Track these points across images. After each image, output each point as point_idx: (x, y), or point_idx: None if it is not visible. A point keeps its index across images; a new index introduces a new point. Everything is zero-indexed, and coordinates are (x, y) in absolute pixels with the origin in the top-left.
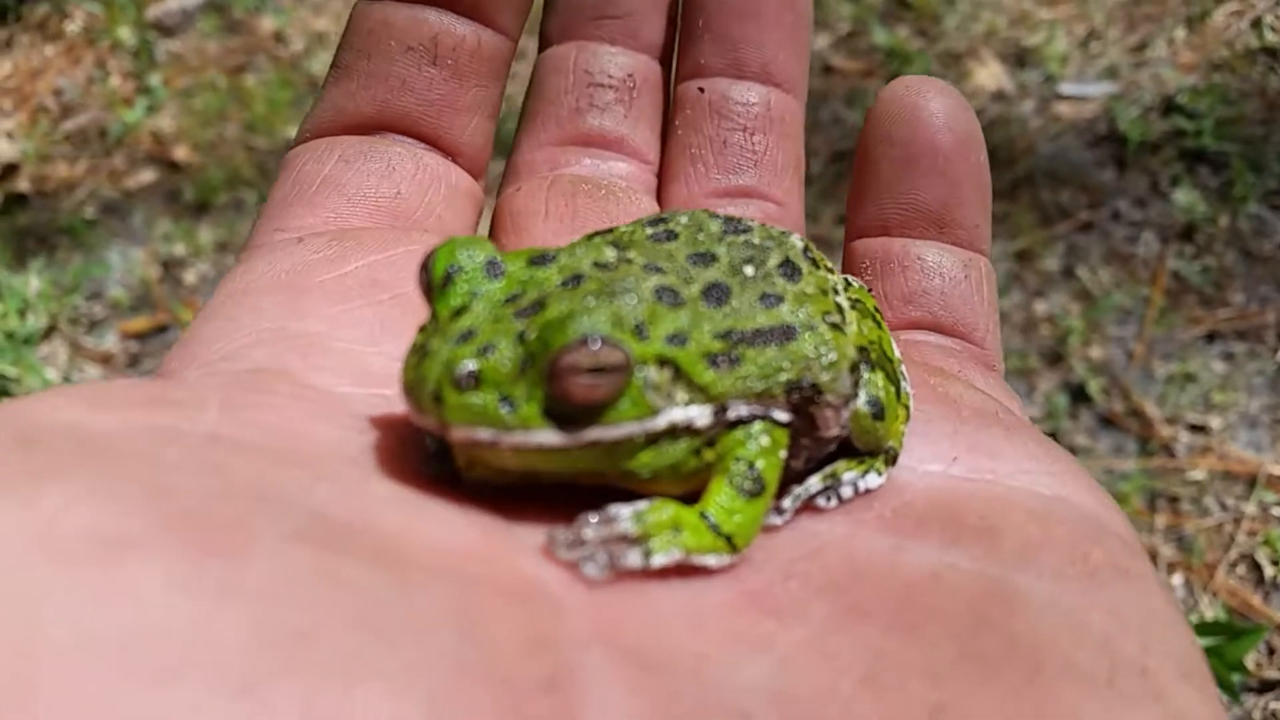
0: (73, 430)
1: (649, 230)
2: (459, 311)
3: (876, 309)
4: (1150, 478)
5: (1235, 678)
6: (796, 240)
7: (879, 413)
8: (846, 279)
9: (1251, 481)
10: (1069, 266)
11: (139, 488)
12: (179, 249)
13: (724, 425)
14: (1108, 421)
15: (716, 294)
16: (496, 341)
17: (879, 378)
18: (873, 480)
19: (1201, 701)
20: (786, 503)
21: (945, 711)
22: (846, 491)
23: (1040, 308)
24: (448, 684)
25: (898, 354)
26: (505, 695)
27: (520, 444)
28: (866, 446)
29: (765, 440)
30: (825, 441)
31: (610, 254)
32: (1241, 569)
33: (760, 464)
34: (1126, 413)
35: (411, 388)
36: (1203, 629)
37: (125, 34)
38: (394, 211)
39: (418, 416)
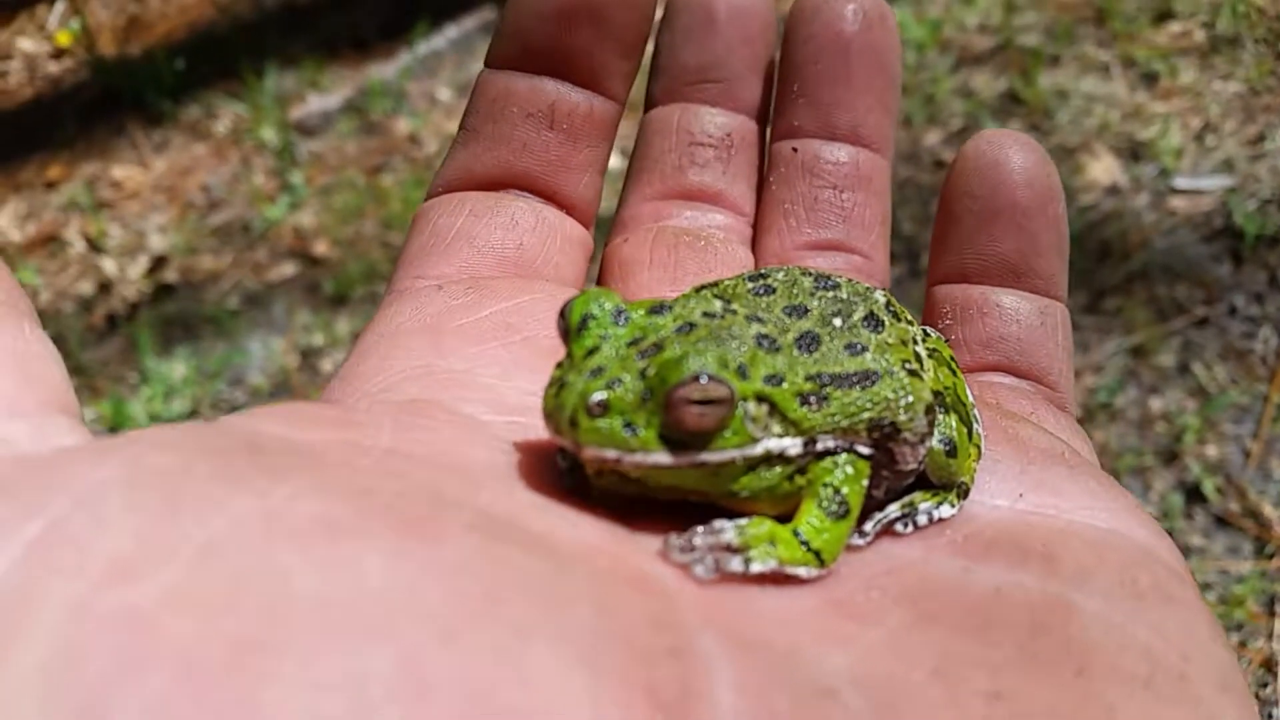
0: (285, 440)
1: (749, 285)
2: (591, 351)
3: (952, 358)
4: (1268, 580)
5: None
6: (879, 296)
7: (952, 450)
8: (925, 330)
9: None
10: (1184, 363)
11: (345, 486)
12: (317, 339)
13: (813, 455)
14: (1223, 521)
15: (808, 342)
16: (622, 377)
17: (953, 419)
18: (945, 511)
19: (1238, 712)
20: (868, 526)
21: (1001, 698)
22: (922, 519)
23: (1155, 404)
24: (595, 646)
25: (971, 399)
26: (639, 658)
27: (640, 462)
28: (940, 480)
29: (850, 469)
30: (903, 475)
31: (717, 305)
32: None
33: (845, 490)
34: (1243, 513)
35: (551, 414)
36: None
37: (269, 134)
38: (518, 261)
39: (556, 438)
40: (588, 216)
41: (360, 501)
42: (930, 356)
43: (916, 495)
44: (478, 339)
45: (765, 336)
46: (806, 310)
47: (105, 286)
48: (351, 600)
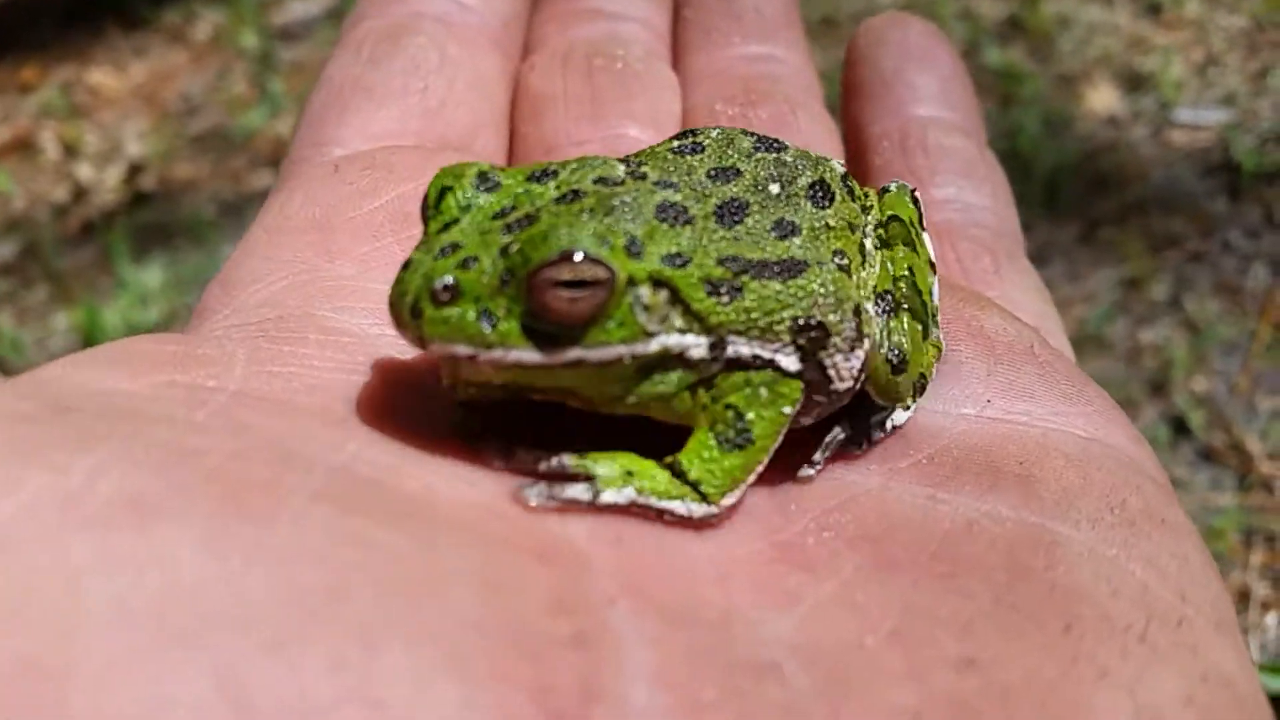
0: (104, 394)
1: (675, 143)
2: (447, 226)
3: (918, 232)
4: (1248, 514)
5: None
6: (837, 165)
7: (900, 364)
8: (885, 186)
9: None
10: (1176, 296)
11: (167, 451)
12: None
13: (724, 364)
14: (1207, 455)
15: (731, 212)
16: (479, 255)
17: (902, 321)
18: (900, 416)
19: (1234, 654)
20: (818, 455)
21: (974, 665)
22: (877, 433)
23: (1145, 336)
24: (470, 643)
25: (933, 284)
26: (530, 653)
27: (499, 360)
28: (886, 400)
29: (764, 393)
30: (837, 395)
31: (619, 169)
32: None
33: (750, 415)
34: (1227, 447)
35: (393, 302)
36: None
37: (249, 40)
38: (423, 111)
39: (400, 331)
40: (506, 41)
41: (179, 471)
42: (885, 243)
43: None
44: (371, 234)
45: (673, 206)
46: (737, 173)
47: (80, 193)
48: (155, 605)
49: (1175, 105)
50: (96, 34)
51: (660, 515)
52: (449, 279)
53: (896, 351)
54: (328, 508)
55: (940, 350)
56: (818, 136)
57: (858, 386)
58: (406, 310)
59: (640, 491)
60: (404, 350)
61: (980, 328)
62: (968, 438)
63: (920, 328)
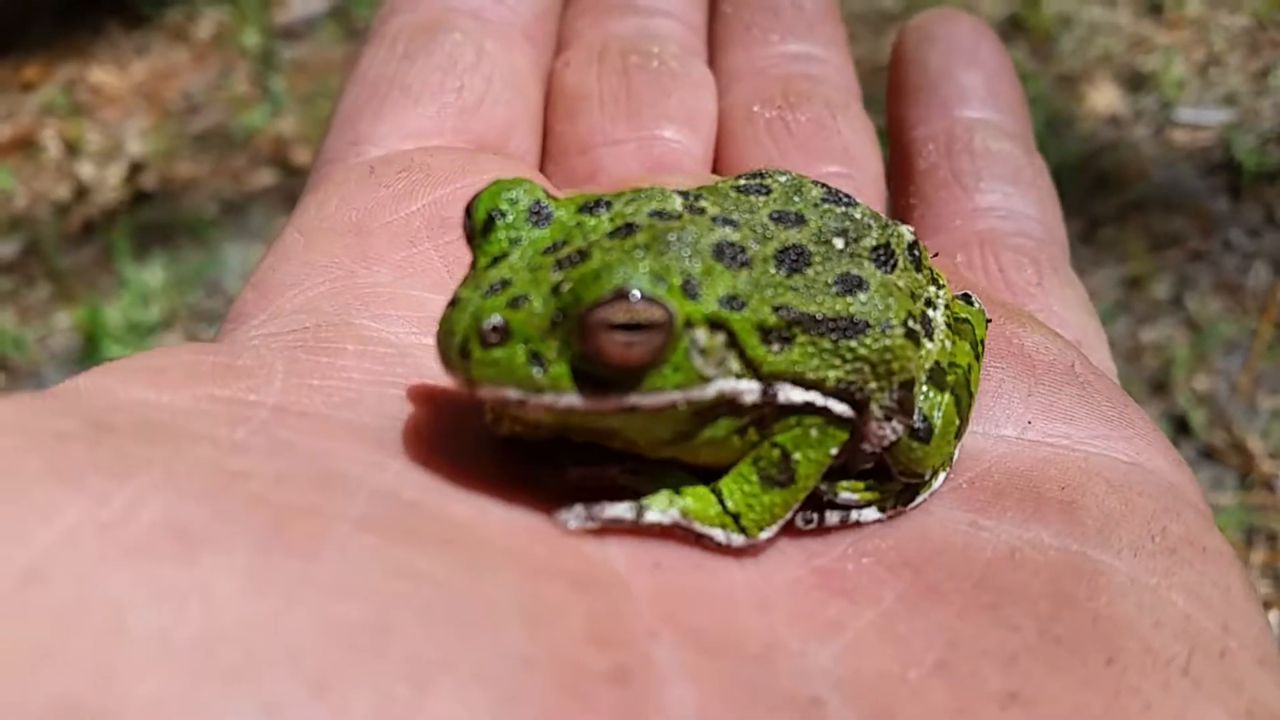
0: (143, 408)
1: (741, 181)
2: (496, 260)
3: (979, 342)
4: (1249, 513)
5: None
6: (907, 232)
7: (926, 434)
8: (967, 295)
9: None
10: (1178, 295)
11: (209, 475)
12: None
13: (774, 408)
14: (1209, 454)
15: (793, 259)
16: (529, 293)
17: (944, 399)
18: (869, 515)
19: (1277, 688)
20: (799, 520)
21: (1018, 700)
22: (832, 518)
23: (1146, 335)
24: (517, 681)
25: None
26: (574, 690)
27: (549, 405)
28: (900, 467)
29: (814, 434)
30: (860, 456)
31: (676, 203)
32: None
33: (797, 456)
34: (1228, 446)
35: (440, 341)
36: None
37: (251, 39)
38: (459, 109)
39: (447, 372)
40: (539, 35)
41: (222, 497)
42: (950, 328)
43: (845, 483)
44: (408, 240)
45: (731, 245)
46: (802, 221)
47: (82, 192)
48: (199, 642)
49: (1177, 105)
50: (98, 32)
51: (699, 539)
52: (498, 319)
53: (924, 421)
54: (372, 537)
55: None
56: (858, 143)
57: (879, 452)
58: (455, 351)
59: (685, 514)
60: None
61: (1021, 346)
62: (1008, 461)
63: (956, 422)
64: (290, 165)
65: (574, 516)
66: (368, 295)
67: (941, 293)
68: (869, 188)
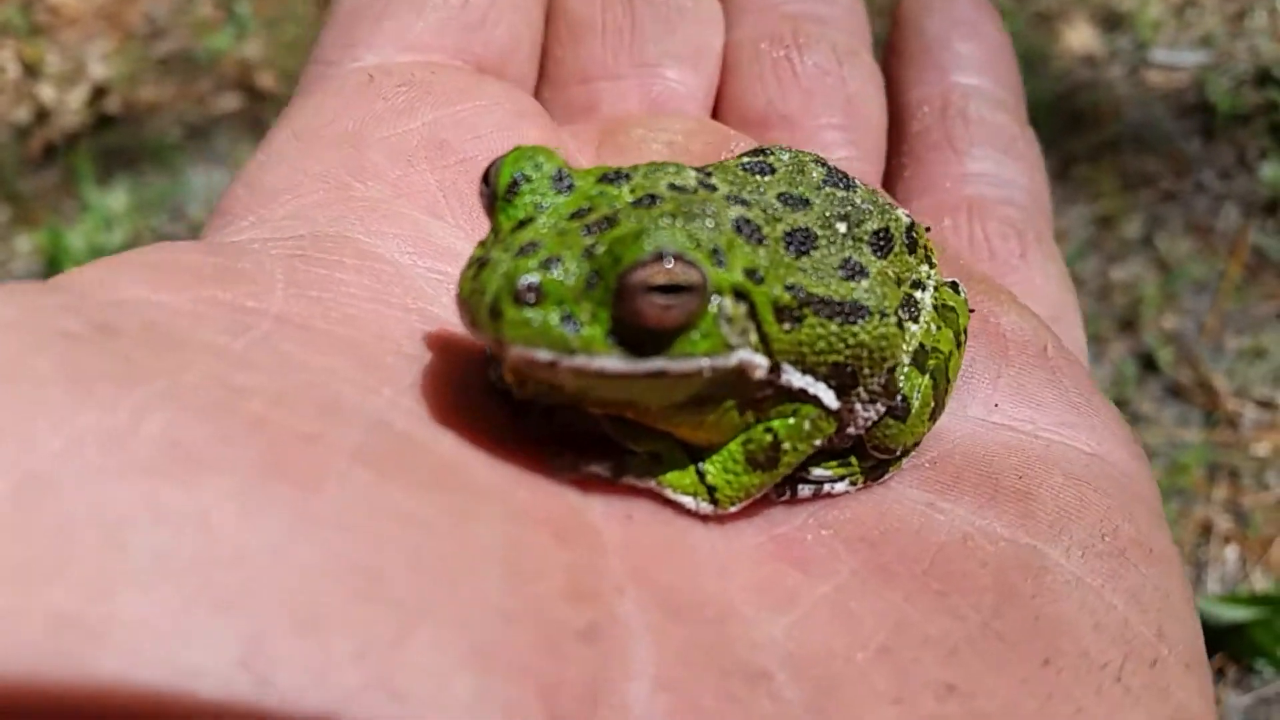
0: (146, 310)
1: (745, 159)
2: (523, 223)
3: (962, 331)
4: (1213, 450)
5: None
6: (903, 215)
7: (903, 412)
8: (954, 283)
9: None
10: (1148, 235)
11: (211, 390)
12: None
13: (775, 388)
14: (1175, 392)
15: (801, 241)
16: (562, 255)
17: (923, 382)
18: (840, 487)
19: (1201, 696)
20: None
21: (954, 692)
22: (804, 492)
23: (1117, 274)
24: (495, 633)
25: (953, 370)
26: (548, 645)
27: (582, 367)
28: (875, 444)
29: (808, 426)
30: (845, 438)
31: (690, 178)
32: None
33: (787, 445)
34: (1194, 384)
35: (468, 299)
36: (1253, 601)
37: None
38: (463, 24)
39: (474, 332)
40: None
41: (225, 415)
42: (939, 312)
43: (824, 463)
44: (405, 158)
45: (749, 222)
46: (808, 203)
47: (43, 114)
48: (194, 565)
49: (1152, 45)
50: None
51: (668, 503)
52: (534, 279)
53: (903, 401)
54: (368, 472)
55: (933, 425)
56: (862, 94)
57: (860, 433)
58: (485, 310)
59: (660, 482)
60: (436, 287)
61: (997, 325)
62: (971, 443)
63: (932, 404)
64: (255, 89)
65: (560, 464)
66: (363, 210)
67: (933, 273)
68: (868, 141)
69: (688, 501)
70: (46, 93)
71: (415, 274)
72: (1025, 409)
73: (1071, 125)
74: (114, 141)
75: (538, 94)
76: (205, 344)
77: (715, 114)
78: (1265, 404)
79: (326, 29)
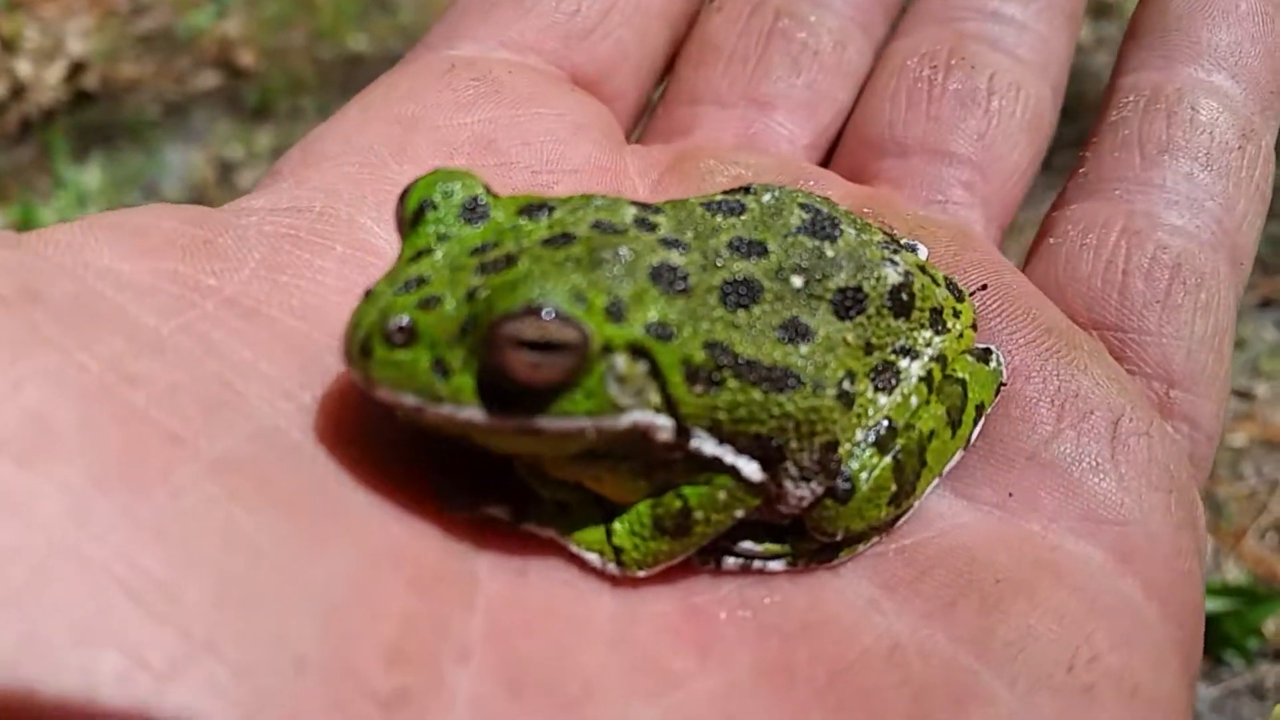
0: (94, 276)
1: (719, 197)
2: (420, 254)
3: (979, 405)
4: None
5: (1251, 642)
6: (893, 275)
7: (847, 495)
8: (988, 349)
9: None
10: None
11: (102, 373)
12: (237, 152)
13: (685, 453)
14: None
15: (740, 293)
16: (444, 295)
17: (880, 462)
18: (774, 565)
19: None
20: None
21: None
22: (730, 563)
23: None
24: (275, 682)
25: (943, 470)
26: (333, 705)
27: (449, 417)
28: (814, 526)
29: (723, 496)
30: (776, 514)
31: (627, 215)
32: (1271, 538)
33: (699, 514)
34: None
35: (345, 334)
36: (1225, 592)
37: None
38: (566, 33)
39: (346, 367)
40: None
41: (100, 402)
42: (934, 384)
43: (753, 539)
44: (449, 150)
45: (672, 270)
46: (764, 252)
47: (19, 90)
48: (13, 552)
49: None
50: None
51: (574, 558)
52: (404, 319)
53: (848, 482)
54: (218, 486)
55: (902, 510)
56: (1004, 133)
57: (797, 511)
58: (357, 347)
59: (563, 534)
60: None
61: (1056, 391)
62: (958, 535)
63: (892, 488)
64: (234, 67)
65: (454, 503)
66: (387, 192)
67: (938, 341)
68: (992, 188)
69: (593, 559)
70: (23, 68)
71: None
72: (1049, 498)
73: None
74: (91, 118)
75: (641, 114)
76: (128, 322)
77: (841, 132)
78: (1243, 394)
79: (440, 18)
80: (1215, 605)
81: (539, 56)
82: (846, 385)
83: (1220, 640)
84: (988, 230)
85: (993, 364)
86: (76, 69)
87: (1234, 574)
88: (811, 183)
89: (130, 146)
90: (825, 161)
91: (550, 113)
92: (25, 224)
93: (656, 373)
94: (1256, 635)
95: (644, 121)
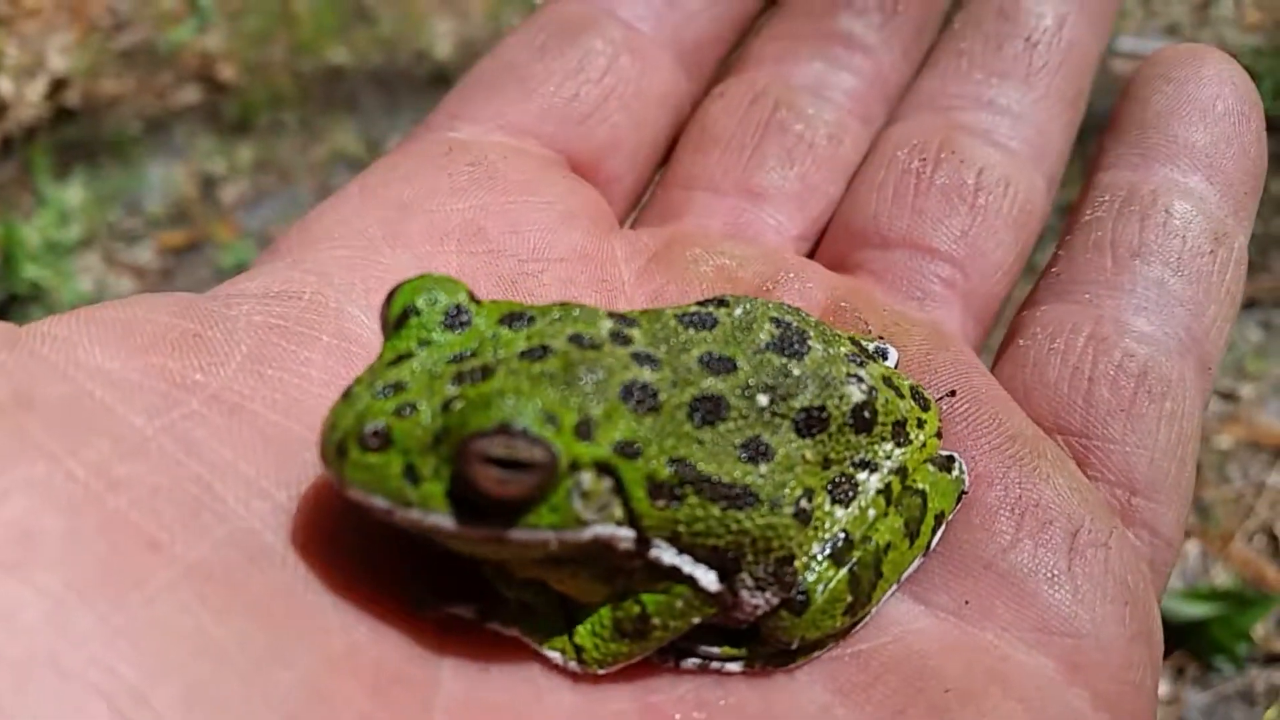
0: (84, 380)
1: (693, 309)
2: (400, 359)
3: (938, 515)
4: None
5: (1241, 647)
6: (857, 392)
7: (801, 607)
8: (951, 457)
9: (1277, 452)
10: None
11: (88, 479)
12: (218, 166)
13: (645, 561)
14: None
15: (707, 410)
16: (420, 403)
17: (835, 575)
18: (731, 667)
19: None
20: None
21: None
22: (688, 663)
23: None
24: None
25: (899, 579)
26: None
27: (415, 521)
28: (769, 635)
29: (680, 605)
30: (735, 620)
31: (603, 328)
32: (1259, 540)
33: (656, 621)
34: None
35: (322, 433)
36: (1213, 596)
37: None
38: (563, 117)
39: (322, 466)
40: (701, 61)
41: (85, 511)
42: (892, 497)
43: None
44: (440, 235)
45: (643, 387)
46: (733, 369)
47: (0, 107)
48: None
49: (1119, 34)
50: None
51: (536, 654)
52: (380, 424)
53: (803, 595)
54: (190, 593)
55: (854, 621)
56: (988, 229)
57: (753, 618)
58: (332, 447)
59: (525, 632)
60: None
61: (1017, 499)
62: (913, 642)
63: (848, 599)
64: (216, 81)
65: (422, 603)
66: (377, 278)
67: (899, 453)
68: (975, 285)
69: (555, 657)
70: (4, 85)
71: None
72: (1004, 607)
73: None
74: (72, 134)
75: (639, 197)
76: (115, 424)
77: (829, 223)
78: (1227, 396)
79: (445, 97)
80: (1204, 610)
81: (536, 140)
82: (804, 503)
83: (1210, 646)
84: (965, 326)
85: (955, 472)
86: (58, 85)
87: (1222, 578)
88: (793, 274)
89: (112, 162)
90: (814, 249)
91: (540, 200)
92: (9, 241)
93: (620, 488)
94: (1246, 640)
95: (644, 201)
